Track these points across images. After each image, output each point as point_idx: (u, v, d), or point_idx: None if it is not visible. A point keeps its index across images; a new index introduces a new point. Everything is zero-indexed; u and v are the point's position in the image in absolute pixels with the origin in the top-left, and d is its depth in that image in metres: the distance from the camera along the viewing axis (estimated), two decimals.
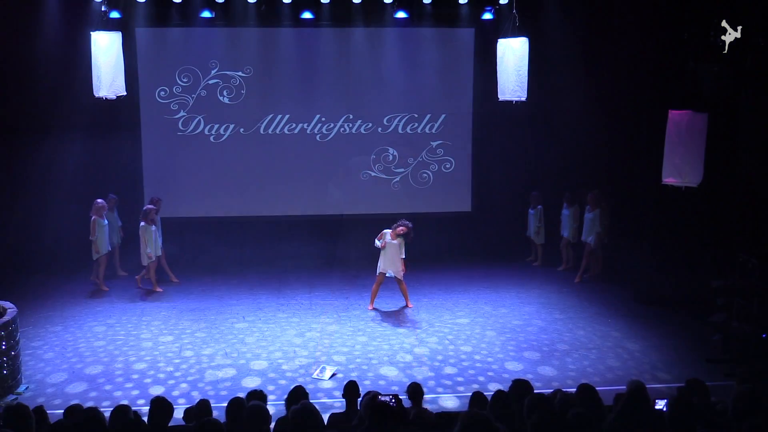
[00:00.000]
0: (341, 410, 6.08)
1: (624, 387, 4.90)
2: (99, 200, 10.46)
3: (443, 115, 12.12)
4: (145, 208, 10.47)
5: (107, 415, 4.94)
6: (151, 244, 10.32)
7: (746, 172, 9.25)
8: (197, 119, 11.66)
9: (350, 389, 5.87)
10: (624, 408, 4.39)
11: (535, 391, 4.78)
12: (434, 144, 12.15)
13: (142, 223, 10.27)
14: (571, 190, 11.51)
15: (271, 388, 7.62)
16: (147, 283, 10.69)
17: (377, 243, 9.81)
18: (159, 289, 10.63)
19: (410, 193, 12.24)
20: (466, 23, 11.73)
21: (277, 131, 11.82)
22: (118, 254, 11.29)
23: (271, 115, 11.79)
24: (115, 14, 10.60)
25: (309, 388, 6.18)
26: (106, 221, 10.51)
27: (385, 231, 9.83)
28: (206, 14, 11.18)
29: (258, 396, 5.52)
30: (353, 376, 7.79)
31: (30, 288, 10.56)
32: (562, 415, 4.30)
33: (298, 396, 5.37)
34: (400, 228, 9.76)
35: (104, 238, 10.48)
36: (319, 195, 12.14)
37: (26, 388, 7.61)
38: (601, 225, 10.97)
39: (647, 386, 4.65)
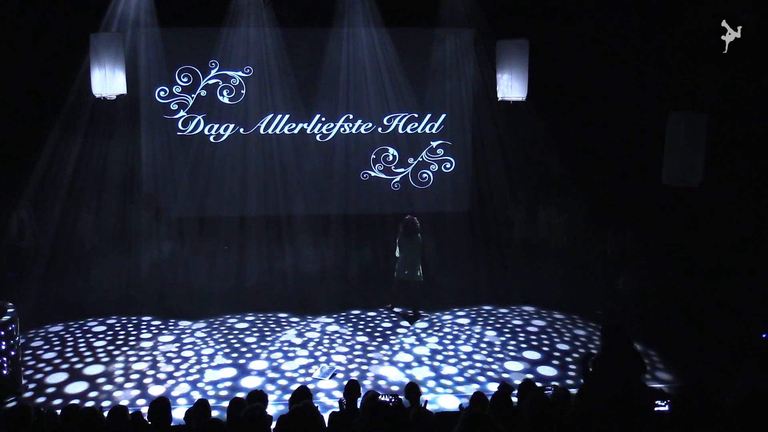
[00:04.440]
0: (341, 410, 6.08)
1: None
2: None
3: (443, 115, 12.10)
4: None
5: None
6: None
7: (746, 172, 9.25)
8: (197, 119, 11.64)
9: (351, 389, 5.88)
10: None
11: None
12: (434, 144, 12.14)
13: None
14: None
15: (271, 388, 7.62)
16: None
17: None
18: None
19: (410, 193, 12.23)
20: (466, 23, 11.72)
21: (277, 131, 11.80)
22: None
23: (271, 115, 11.78)
24: (115, 14, 10.62)
25: (309, 388, 6.19)
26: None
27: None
28: (206, 15, 11.16)
29: (258, 396, 5.53)
30: (353, 376, 7.80)
31: (30, 288, 10.54)
32: (560, 415, 4.31)
33: (301, 396, 5.37)
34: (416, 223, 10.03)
35: None
36: (318, 195, 12.12)
37: (26, 388, 7.61)
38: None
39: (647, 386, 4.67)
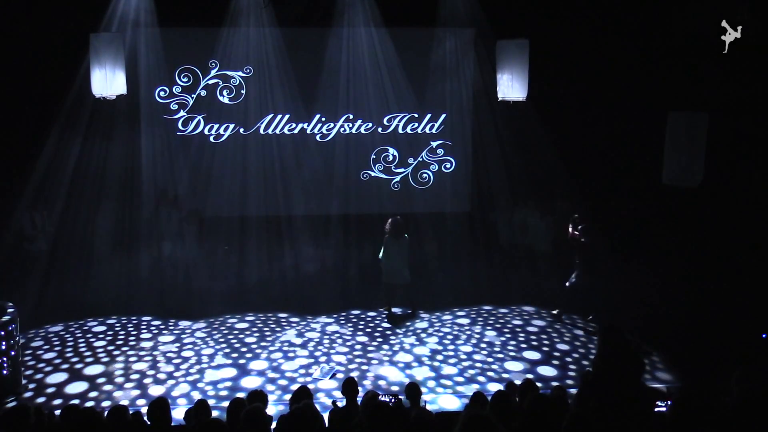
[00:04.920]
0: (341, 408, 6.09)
1: None
2: None
3: (443, 115, 12.10)
4: None
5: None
6: None
7: (746, 172, 9.25)
8: (197, 119, 11.64)
9: (349, 386, 5.89)
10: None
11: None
12: (434, 144, 12.15)
13: None
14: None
15: (271, 388, 7.62)
16: None
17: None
18: None
19: (410, 193, 12.24)
20: (466, 23, 11.72)
21: (277, 131, 11.80)
22: None
23: (271, 115, 11.78)
24: (115, 14, 10.63)
25: (309, 388, 6.19)
26: None
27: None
28: (206, 15, 11.16)
29: (258, 396, 5.53)
30: (353, 376, 7.80)
31: (30, 288, 10.54)
32: (560, 415, 4.30)
33: (301, 396, 5.38)
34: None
35: None
36: (318, 195, 12.13)
37: (26, 388, 7.61)
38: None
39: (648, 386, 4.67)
